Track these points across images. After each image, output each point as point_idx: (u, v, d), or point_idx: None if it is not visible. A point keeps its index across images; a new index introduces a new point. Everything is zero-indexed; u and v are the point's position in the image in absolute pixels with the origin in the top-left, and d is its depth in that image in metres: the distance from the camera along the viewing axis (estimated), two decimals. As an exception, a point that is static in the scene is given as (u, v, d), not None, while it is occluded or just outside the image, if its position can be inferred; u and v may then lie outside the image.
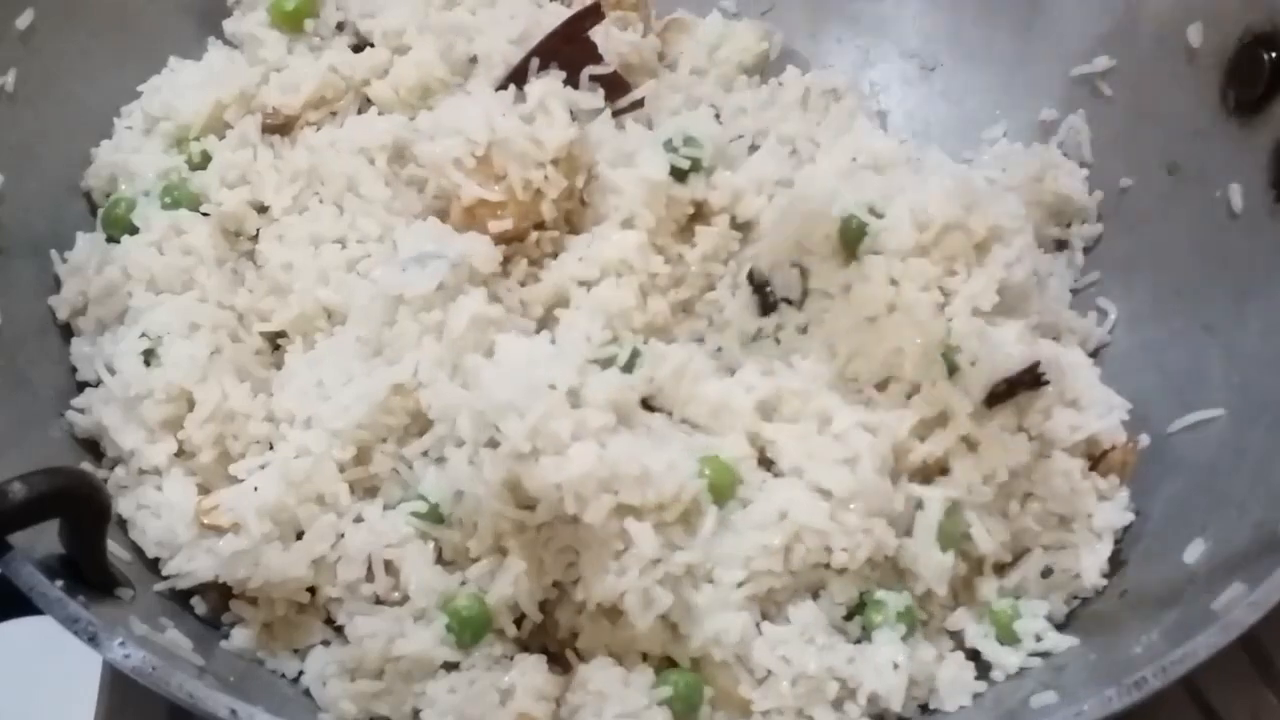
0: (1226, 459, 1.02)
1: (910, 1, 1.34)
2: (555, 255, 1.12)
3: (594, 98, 1.17)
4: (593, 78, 1.17)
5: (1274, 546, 0.90)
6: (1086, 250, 1.22)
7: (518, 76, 1.16)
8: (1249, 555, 0.92)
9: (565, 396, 0.96)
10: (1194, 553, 0.98)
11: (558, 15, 1.20)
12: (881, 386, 1.03)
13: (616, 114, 1.17)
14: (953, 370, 1.03)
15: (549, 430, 0.93)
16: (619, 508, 0.94)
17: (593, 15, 1.17)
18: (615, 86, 1.18)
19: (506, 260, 1.09)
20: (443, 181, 1.10)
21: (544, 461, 0.93)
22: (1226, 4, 1.12)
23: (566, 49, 1.16)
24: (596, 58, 1.17)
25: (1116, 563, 1.03)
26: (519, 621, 0.99)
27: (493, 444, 0.95)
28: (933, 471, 1.02)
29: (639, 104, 1.18)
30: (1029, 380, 1.02)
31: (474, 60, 1.20)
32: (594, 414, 0.96)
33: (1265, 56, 1.09)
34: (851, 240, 1.08)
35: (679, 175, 1.11)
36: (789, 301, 1.10)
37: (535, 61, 1.16)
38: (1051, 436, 1.03)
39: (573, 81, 1.16)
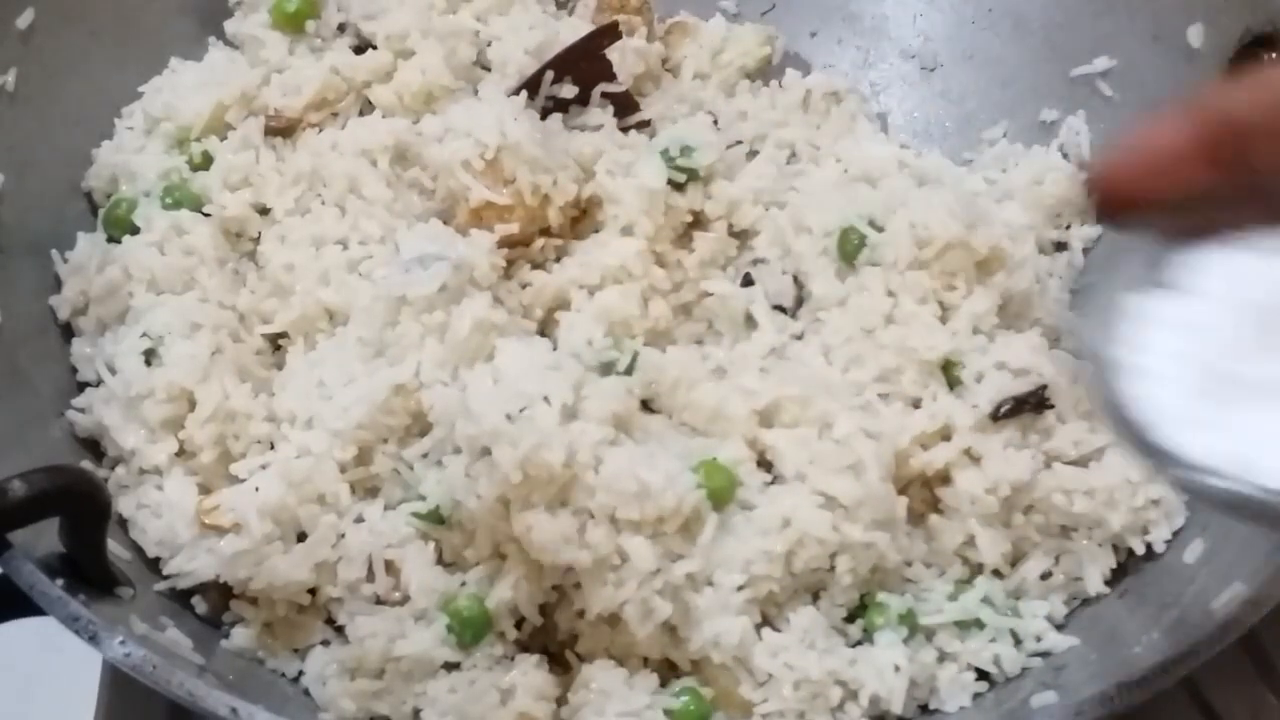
0: (1226, 459, 1.02)
1: (910, 2, 1.34)
2: (559, 259, 1.12)
3: (603, 115, 1.17)
4: (604, 94, 1.18)
5: (1274, 546, 0.90)
6: (1086, 251, 1.22)
7: (530, 87, 1.16)
8: (1249, 555, 0.92)
9: (561, 409, 0.96)
10: (1194, 553, 0.98)
11: (575, 30, 1.21)
12: (882, 397, 1.03)
13: (623, 131, 1.18)
14: (954, 385, 1.03)
15: (541, 460, 0.93)
16: (617, 522, 0.95)
17: (610, 34, 1.18)
18: (625, 106, 1.19)
19: (510, 264, 1.10)
20: (450, 183, 1.10)
21: (535, 499, 0.94)
22: (1226, 4, 1.12)
23: (583, 65, 1.17)
24: (610, 76, 1.18)
25: (1117, 565, 1.03)
26: (519, 624, 0.99)
27: (488, 453, 0.95)
28: (935, 481, 1.02)
29: (646, 123, 1.19)
30: (1034, 402, 1.02)
31: (485, 67, 1.21)
32: (592, 428, 0.96)
33: (1265, 57, 1.09)
34: (850, 252, 1.08)
35: (677, 185, 1.12)
36: (782, 310, 1.10)
37: (550, 74, 1.16)
38: (1057, 452, 1.03)
39: (584, 98, 1.17)
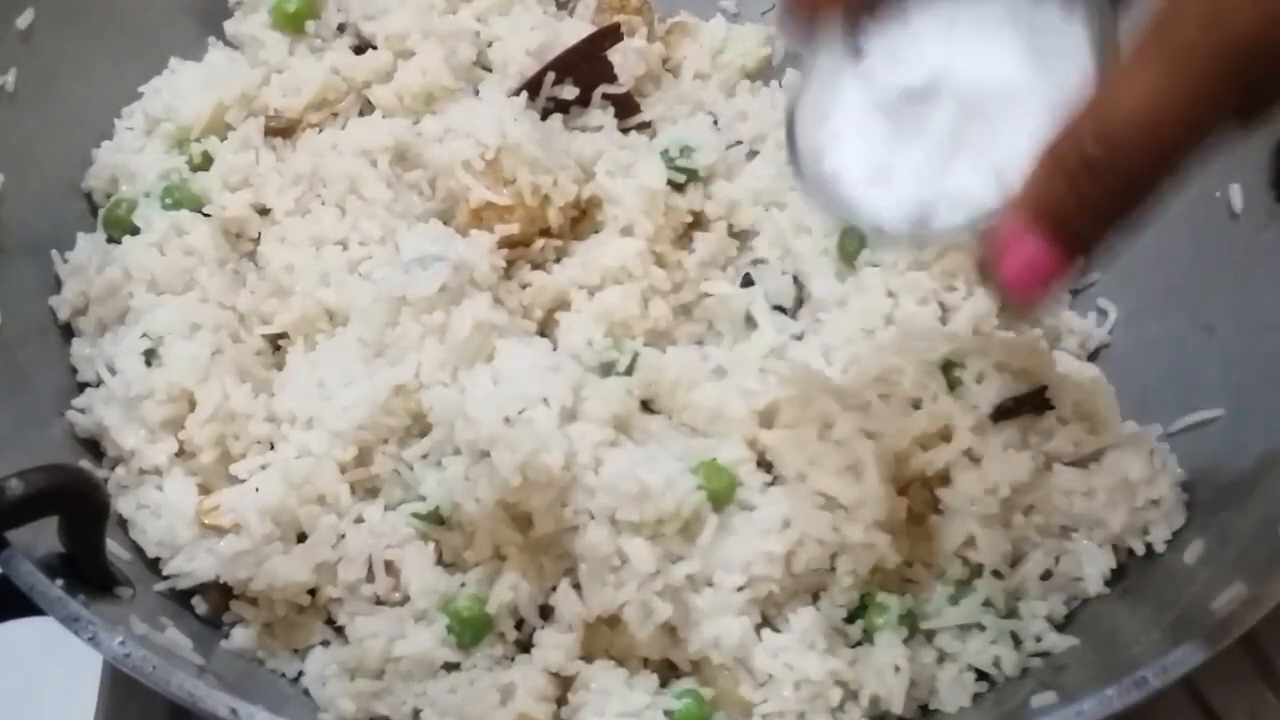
0: (1226, 459, 1.02)
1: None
2: (559, 260, 1.12)
3: (604, 115, 1.17)
4: (605, 96, 1.18)
5: (1274, 546, 0.90)
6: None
7: (531, 88, 1.16)
8: (1249, 555, 0.92)
9: (560, 411, 0.96)
10: (1194, 553, 0.98)
11: (576, 31, 1.21)
12: (882, 398, 1.03)
13: (623, 132, 1.18)
14: (954, 385, 1.03)
15: (539, 463, 0.93)
16: (617, 524, 0.95)
17: (612, 35, 1.19)
18: (626, 107, 1.19)
19: (510, 264, 1.10)
20: (450, 183, 1.10)
21: (535, 501, 0.94)
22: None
23: (584, 66, 1.17)
24: (611, 77, 1.18)
25: (1117, 565, 1.03)
26: (519, 624, 0.99)
27: (487, 456, 0.95)
28: (935, 482, 1.02)
29: (646, 124, 1.19)
30: (1035, 403, 1.02)
31: (486, 68, 1.21)
32: (592, 429, 0.96)
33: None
34: (850, 253, 1.08)
35: (677, 186, 1.12)
36: (782, 310, 1.10)
37: (551, 75, 1.16)
38: (1057, 452, 1.02)
39: (585, 99, 1.17)
